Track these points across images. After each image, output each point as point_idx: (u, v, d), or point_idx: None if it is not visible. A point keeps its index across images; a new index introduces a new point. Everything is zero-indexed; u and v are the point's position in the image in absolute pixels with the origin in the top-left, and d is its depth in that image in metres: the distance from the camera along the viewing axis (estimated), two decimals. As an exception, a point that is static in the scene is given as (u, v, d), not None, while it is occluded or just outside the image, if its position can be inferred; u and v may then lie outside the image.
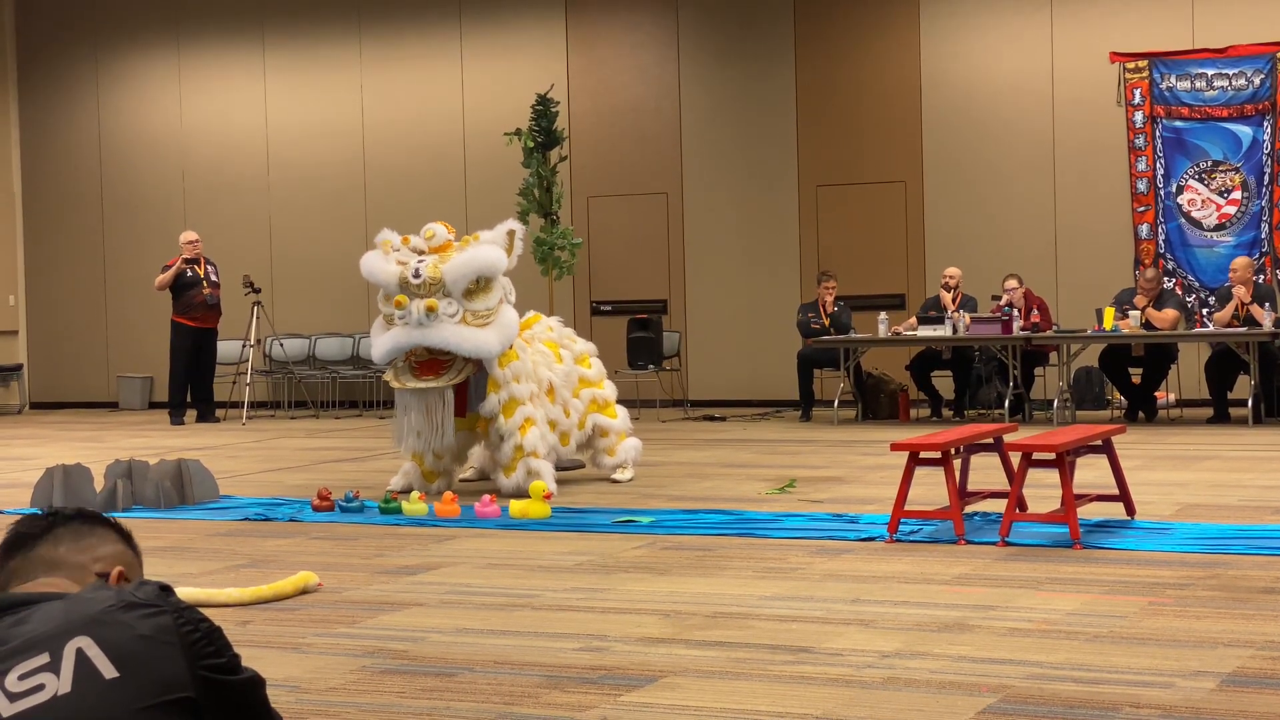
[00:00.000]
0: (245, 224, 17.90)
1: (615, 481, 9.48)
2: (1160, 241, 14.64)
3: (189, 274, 15.55)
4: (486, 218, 16.62)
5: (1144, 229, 14.71)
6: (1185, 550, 6.41)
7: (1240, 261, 13.24)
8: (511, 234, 9.01)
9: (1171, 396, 13.88)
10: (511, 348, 8.92)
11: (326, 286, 17.58)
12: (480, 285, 8.76)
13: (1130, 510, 7.29)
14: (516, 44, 16.92)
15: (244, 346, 16.12)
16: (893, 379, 14.37)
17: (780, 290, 15.95)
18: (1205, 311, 14.15)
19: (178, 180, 18.33)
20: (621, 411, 9.89)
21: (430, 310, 8.64)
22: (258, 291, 15.97)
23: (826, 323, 14.27)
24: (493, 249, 8.86)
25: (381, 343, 8.92)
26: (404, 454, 9.20)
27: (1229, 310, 13.01)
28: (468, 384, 8.91)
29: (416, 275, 8.70)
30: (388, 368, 9.01)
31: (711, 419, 14.64)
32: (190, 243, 15.69)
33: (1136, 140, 14.69)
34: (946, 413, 14.05)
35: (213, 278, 15.69)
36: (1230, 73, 14.34)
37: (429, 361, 8.79)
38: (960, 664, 4.53)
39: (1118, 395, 13.77)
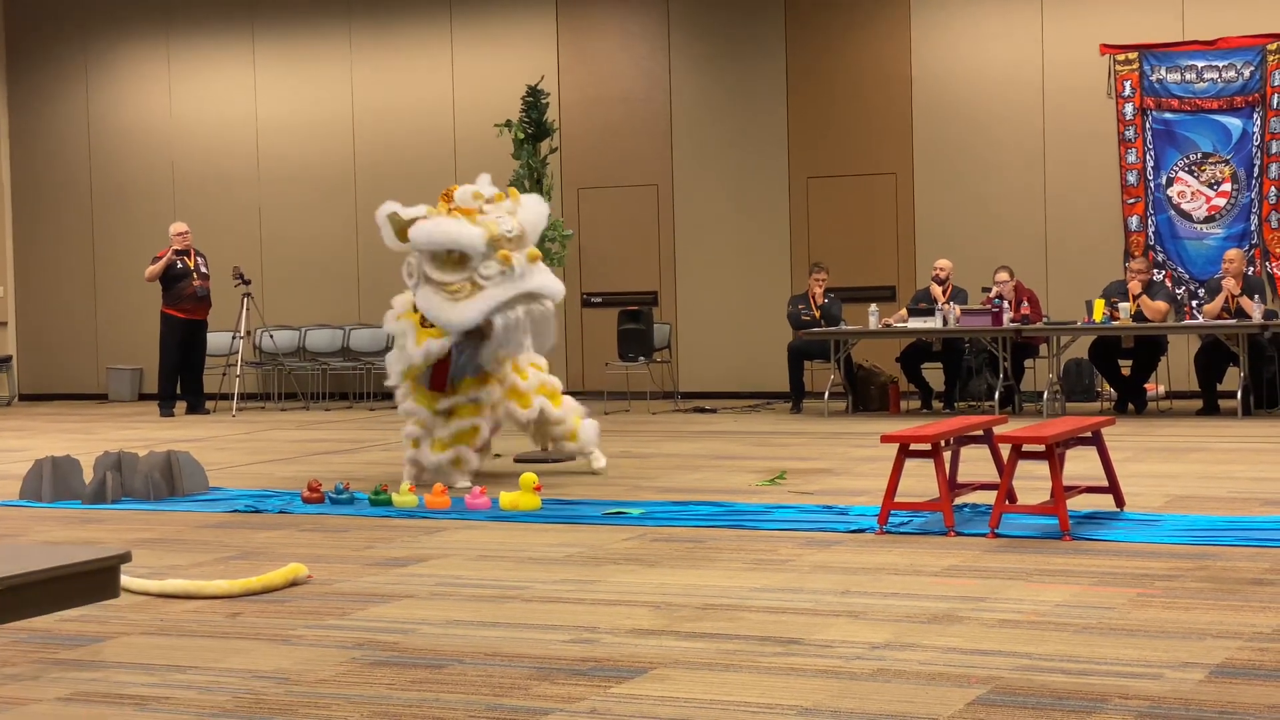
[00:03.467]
0: (235, 215, 17.87)
1: (596, 473, 9.43)
2: (1150, 233, 14.66)
3: (179, 265, 15.53)
4: (477, 209, 16.63)
5: (1134, 221, 14.72)
6: (1174, 542, 6.42)
7: (1234, 253, 13.26)
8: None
9: (1161, 388, 13.90)
10: None
11: (316, 278, 17.55)
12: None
13: (1119, 502, 7.30)
14: (506, 35, 16.90)
15: (234, 338, 16.10)
16: (883, 371, 14.38)
17: (771, 282, 15.95)
18: (1194, 304, 14.17)
19: (167, 171, 18.29)
20: (568, 399, 9.70)
21: (534, 260, 8.78)
22: (247, 283, 15.94)
23: (817, 314, 14.27)
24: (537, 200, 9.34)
25: (475, 305, 8.66)
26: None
27: (1218, 302, 13.02)
28: (449, 358, 8.87)
29: (510, 230, 8.81)
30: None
31: (702, 411, 14.64)
32: (180, 234, 15.68)
33: (1126, 132, 14.71)
34: (937, 405, 14.06)
35: (203, 269, 15.68)
36: (1220, 65, 14.35)
37: None
38: (949, 655, 4.53)
39: (1107, 387, 13.78)
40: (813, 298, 14.40)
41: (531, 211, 9.15)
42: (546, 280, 8.90)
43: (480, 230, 8.70)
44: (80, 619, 5.27)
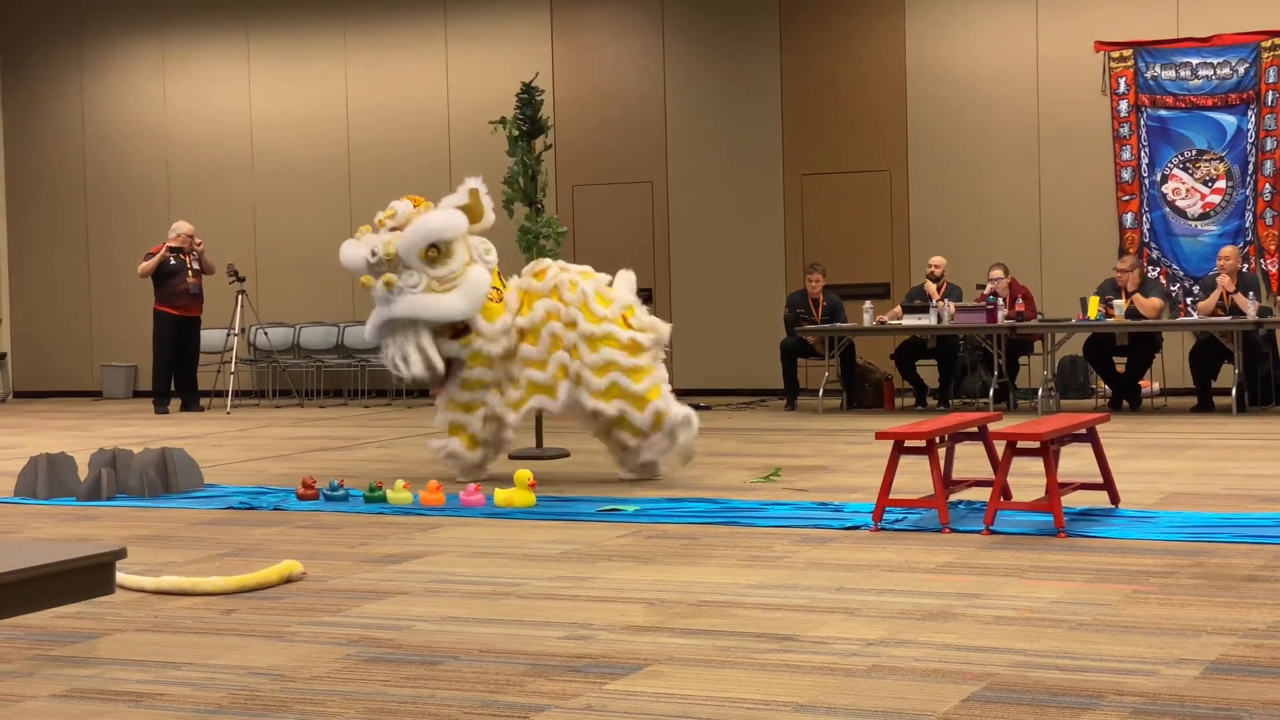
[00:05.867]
0: (230, 212, 17.85)
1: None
2: (1145, 230, 14.67)
3: (172, 262, 15.50)
4: (471, 206, 16.64)
5: (1128, 218, 14.74)
6: (1169, 538, 6.42)
7: (1229, 250, 13.27)
8: (474, 193, 8.92)
9: (1156, 385, 13.91)
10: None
11: (311, 275, 17.54)
12: (442, 251, 8.72)
13: (1114, 499, 7.30)
14: (501, 32, 16.89)
15: (228, 335, 16.09)
16: (878, 368, 14.38)
17: (765, 279, 15.96)
18: (1189, 301, 14.18)
19: (162, 168, 18.27)
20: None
21: (388, 285, 8.70)
22: (242, 280, 15.92)
23: (819, 316, 14.23)
24: (442, 213, 8.81)
25: (367, 327, 9.08)
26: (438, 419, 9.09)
27: (1213, 299, 13.04)
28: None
29: (373, 255, 8.77)
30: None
31: (696, 408, 14.59)
32: (188, 235, 15.58)
33: (1121, 129, 14.72)
34: (931, 402, 14.07)
35: (196, 266, 15.64)
36: (1215, 62, 14.36)
37: None
38: (944, 652, 4.54)
39: (1102, 384, 13.79)
40: (811, 298, 14.39)
41: (419, 225, 8.70)
42: (407, 304, 8.68)
43: (363, 252, 8.87)
44: (75, 615, 5.27)
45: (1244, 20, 14.27)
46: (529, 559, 6.37)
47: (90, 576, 3.11)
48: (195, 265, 15.61)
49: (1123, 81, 14.67)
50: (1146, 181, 14.65)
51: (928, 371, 14.22)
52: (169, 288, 15.49)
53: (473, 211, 8.93)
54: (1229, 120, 14.36)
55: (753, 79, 16.04)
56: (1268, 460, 9.28)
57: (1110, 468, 7.34)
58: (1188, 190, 14.53)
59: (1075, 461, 8.28)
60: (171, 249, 15.53)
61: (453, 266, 8.73)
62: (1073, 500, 7.26)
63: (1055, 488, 6.62)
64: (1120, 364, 13.44)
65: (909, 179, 15.53)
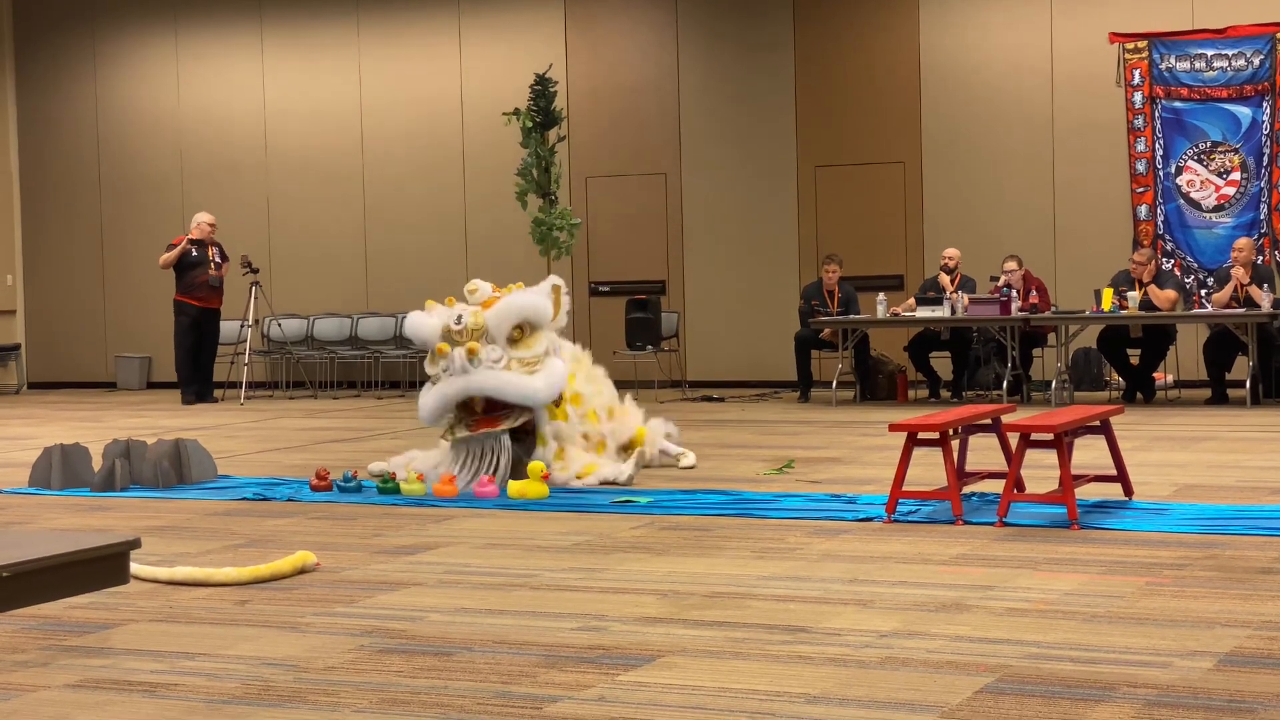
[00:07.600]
0: (243, 205, 17.87)
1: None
2: (1159, 222, 14.64)
3: (194, 254, 15.51)
4: (485, 198, 16.68)
5: (1143, 210, 14.70)
6: (1183, 531, 6.42)
7: (1244, 242, 13.23)
8: (556, 289, 8.68)
9: (1170, 377, 13.89)
10: (560, 406, 8.57)
11: (325, 267, 17.56)
12: (525, 333, 8.46)
13: (1128, 491, 7.29)
14: (515, 24, 16.89)
15: (242, 327, 16.11)
16: (891, 360, 14.37)
17: (778, 271, 15.94)
18: (1204, 293, 14.15)
19: (175, 161, 18.30)
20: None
21: (471, 354, 8.26)
22: (256, 272, 15.94)
23: (834, 308, 14.21)
24: (535, 295, 8.54)
25: (427, 402, 8.50)
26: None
27: (1227, 291, 13.01)
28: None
29: (458, 321, 8.36)
30: (442, 429, 8.59)
31: (710, 400, 14.64)
32: (210, 224, 15.60)
33: (1136, 121, 14.68)
34: (945, 394, 14.05)
35: (216, 259, 15.65)
36: (1230, 53, 14.32)
37: (484, 419, 8.40)
38: (958, 644, 4.53)
39: (1116, 376, 13.77)
40: (827, 291, 14.37)
41: (513, 301, 8.48)
42: (490, 379, 8.31)
43: (436, 323, 8.48)
44: (89, 606, 5.28)
45: (1259, 11, 14.22)
46: (542, 550, 6.38)
47: (104, 567, 3.12)
48: (217, 258, 15.62)
49: (1137, 73, 14.63)
50: (1161, 173, 14.62)
51: (941, 364, 14.20)
52: (190, 279, 15.50)
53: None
54: (1244, 112, 14.32)
55: (767, 71, 16.02)
56: (1282, 453, 9.26)
57: (1124, 460, 7.33)
58: (1202, 182, 14.49)
59: (1089, 454, 8.27)
60: (192, 240, 15.54)
61: (535, 350, 8.44)
62: (1086, 492, 7.25)
63: (1069, 480, 6.61)
64: (1134, 356, 13.41)
65: (923, 171, 15.51)
